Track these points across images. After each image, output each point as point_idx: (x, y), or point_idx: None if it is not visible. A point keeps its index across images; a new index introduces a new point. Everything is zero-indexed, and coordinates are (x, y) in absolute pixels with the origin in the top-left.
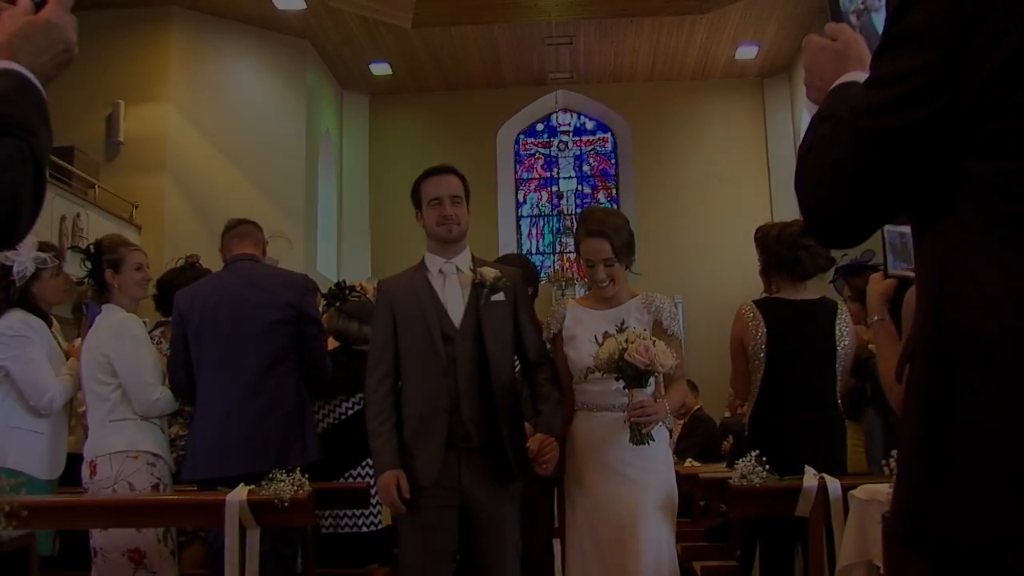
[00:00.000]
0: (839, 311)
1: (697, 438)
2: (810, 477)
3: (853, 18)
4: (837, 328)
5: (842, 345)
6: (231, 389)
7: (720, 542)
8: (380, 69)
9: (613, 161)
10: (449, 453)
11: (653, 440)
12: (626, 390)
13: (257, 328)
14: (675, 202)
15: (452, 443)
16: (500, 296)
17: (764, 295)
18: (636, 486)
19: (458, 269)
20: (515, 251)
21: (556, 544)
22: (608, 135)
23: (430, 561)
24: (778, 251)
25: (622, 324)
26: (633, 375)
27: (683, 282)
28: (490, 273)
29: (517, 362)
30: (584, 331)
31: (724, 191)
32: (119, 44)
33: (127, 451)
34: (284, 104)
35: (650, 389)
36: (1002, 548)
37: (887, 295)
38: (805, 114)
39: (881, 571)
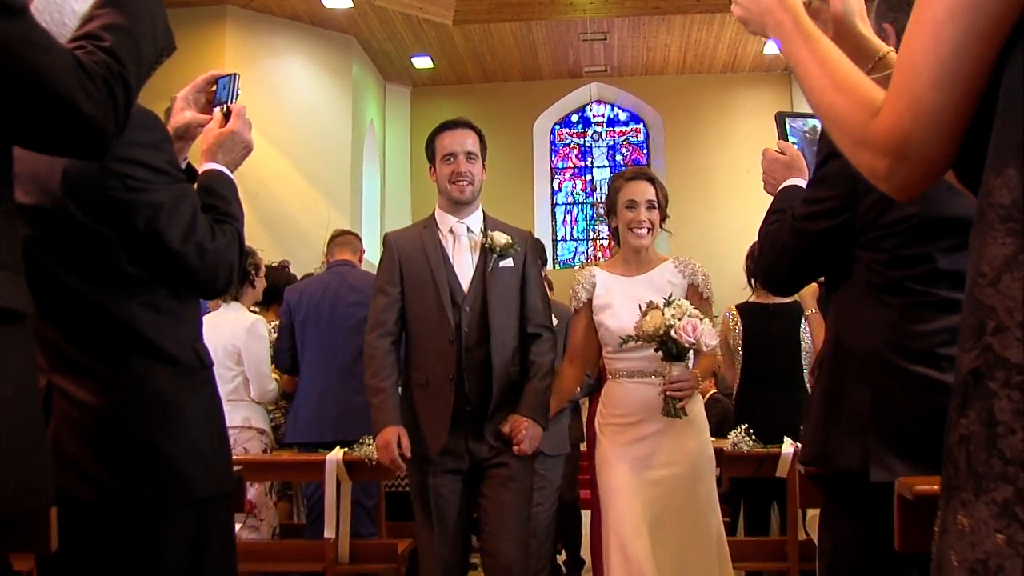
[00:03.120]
0: (804, 314)
1: (714, 418)
2: (787, 445)
3: (800, 135)
4: (802, 327)
5: (805, 341)
6: (328, 371)
7: (727, 505)
8: (422, 62)
9: (645, 151)
10: (455, 423)
11: (687, 414)
12: (664, 361)
13: (351, 322)
14: (705, 191)
15: (457, 412)
16: (508, 262)
17: (747, 299)
18: (667, 459)
19: (469, 230)
20: (551, 236)
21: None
22: (640, 126)
23: (443, 530)
24: (750, 264)
25: (669, 296)
26: (676, 351)
27: (713, 269)
28: (500, 238)
29: None
30: (621, 299)
31: (752, 181)
32: (177, 41)
33: (243, 426)
34: (331, 97)
35: (688, 362)
36: (864, 463)
37: (816, 294)
38: None
39: None
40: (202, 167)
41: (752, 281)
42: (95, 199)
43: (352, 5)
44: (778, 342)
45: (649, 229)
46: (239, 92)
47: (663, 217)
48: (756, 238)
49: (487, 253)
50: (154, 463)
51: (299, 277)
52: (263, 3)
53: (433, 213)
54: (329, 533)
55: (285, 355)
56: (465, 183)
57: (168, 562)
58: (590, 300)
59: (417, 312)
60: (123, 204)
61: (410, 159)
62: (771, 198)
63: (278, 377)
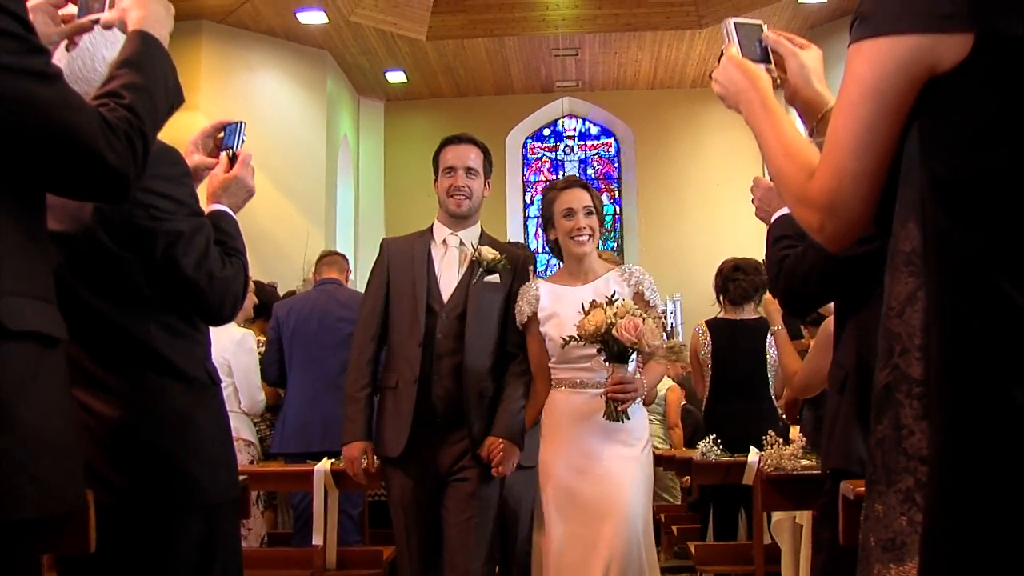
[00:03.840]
0: (770, 331)
1: (688, 427)
2: (753, 454)
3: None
4: (767, 343)
5: (771, 355)
6: (315, 383)
7: (697, 512)
8: (395, 77)
9: (616, 165)
10: (417, 428)
11: (628, 419)
12: (607, 364)
13: (338, 337)
14: (675, 204)
15: (419, 417)
16: (495, 278)
17: (716, 315)
18: (610, 468)
19: (462, 243)
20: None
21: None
22: (612, 140)
23: (410, 536)
24: (718, 281)
25: (612, 295)
26: (618, 351)
27: (683, 281)
28: (489, 253)
29: None
30: (566, 308)
31: (722, 194)
32: None
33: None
34: (306, 111)
35: (631, 365)
36: (849, 464)
37: (780, 311)
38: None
39: (801, 524)
40: (208, 208)
41: (720, 298)
42: (121, 226)
43: (327, 21)
44: (745, 356)
45: (590, 235)
46: (244, 139)
47: (601, 223)
48: (729, 248)
49: (474, 266)
50: (168, 470)
51: (279, 290)
52: (238, 18)
53: (432, 224)
54: (317, 540)
55: (273, 368)
56: (463, 197)
57: (180, 563)
58: (535, 313)
59: (395, 316)
60: (145, 231)
61: (383, 172)
62: (744, 215)
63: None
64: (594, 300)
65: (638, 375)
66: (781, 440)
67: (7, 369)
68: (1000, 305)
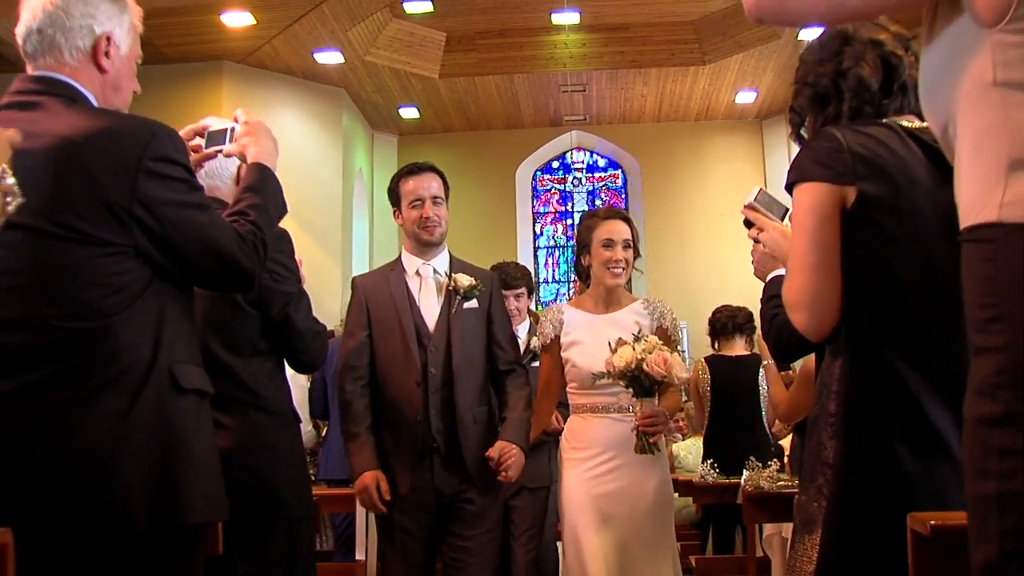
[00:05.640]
0: (762, 365)
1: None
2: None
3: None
4: (760, 376)
5: (763, 388)
6: None
7: (698, 529)
8: (408, 112)
9: (623, 196)
10: (422, 462)
11: (659, 451)
12: (634, 399)
13: None
14: (681, 234)
15: (424, 453)
16: (473, 303)
17: (713, 353)
18: (631, 494)
19: (435, 271)
20: (534, 279)
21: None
22: (619, 172)
23: (408, 568)
24: (712, 321)
25: (639, 332)
26: (647, 385)
27: (689, 309)
28: (464, 280)
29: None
30: (590, 337)
31: (727, 224)
32: (178, 95)
33: None
34: (322, 147)
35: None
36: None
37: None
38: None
39: (786, 537)
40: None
41: (714, 343)
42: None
43: (343, 60)
44: (741, 388)
45: (624, 268)
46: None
47: (636, 256)
48: (734, 277)
49: (451, 295)
50: (263, 491)
51: None
52: (258, 59)
53: (399, 256)
54: (360, 556)
55: (318, 403)
56: (434, 226)
57: (270, 567)
58: (558, 337)
59: (384, 354)
60: (269, 291)
61: None
62: (748, 244)
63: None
64: (620, 338)
65: (660, 407)
66: (760, 464)
67: (184, 417)
68: (877, 365)
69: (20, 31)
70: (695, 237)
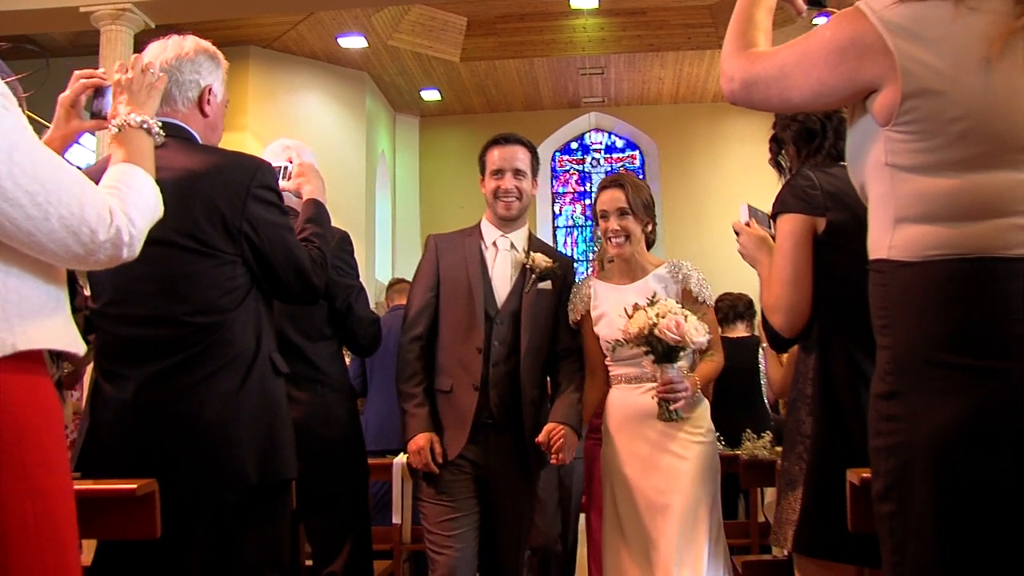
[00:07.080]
0: (760, 346)
1: None
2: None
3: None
4: (759, 357)
5: (762, 367)
6: (392, 393)
7: None
8: (430, 95)
9: (641, 176)
10: (476, 432)
11: (683, 416)
12: (656, 364)
13: None
14: (698, 214)
15: (478, 421)
16: (547, 284)
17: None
18: (669, 462)
19: (512, 246)
20: None
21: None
22: (637, 153)
23: (450, 530)
24: (715, 308)
25: (653, 296)
26: (664, 351)
27: None
28: (542, 260)
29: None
30: (614, 308)
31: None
32: None
33: None
34: (345, 129)
35: (685, 363)
36: None
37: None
38: None
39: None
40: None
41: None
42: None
43: (367, 45)
44: (743, 369)
45: (626, 236)
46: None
47: (647, 221)
48: (746, 263)
49: (527, 272)
50: (331, 454)
51: None
52: (283, 43)
53: (479, 223)
54: (396, 520)
55: (358, 380)
56: (512, 199)
57: (336, 518)
58: (588, 311)
59: (449, 318)
60: (334, 284)
61: (419, 185)
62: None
63: None
64: (636, 303)
65: (688, 373)
66: (755, 436)
67: (279, 394)
68: (842, 359)
69: None
70: (712, 217)
